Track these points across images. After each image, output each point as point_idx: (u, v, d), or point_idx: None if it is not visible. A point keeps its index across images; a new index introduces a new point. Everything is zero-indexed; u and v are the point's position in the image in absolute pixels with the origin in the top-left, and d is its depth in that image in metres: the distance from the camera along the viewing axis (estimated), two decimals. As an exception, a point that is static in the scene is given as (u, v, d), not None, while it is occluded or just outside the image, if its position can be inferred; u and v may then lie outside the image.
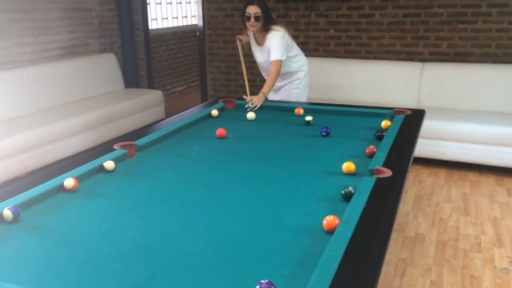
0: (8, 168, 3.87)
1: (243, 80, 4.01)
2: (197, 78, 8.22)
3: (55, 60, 5.21)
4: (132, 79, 6.28)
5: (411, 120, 2.90)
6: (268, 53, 3.58)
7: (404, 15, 4.97)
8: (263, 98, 3.43)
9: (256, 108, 3.33)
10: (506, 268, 2.79)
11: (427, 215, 3.47)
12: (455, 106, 4.69)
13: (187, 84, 8.27)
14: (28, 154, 4.04)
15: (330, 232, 1.58)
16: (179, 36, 7.89)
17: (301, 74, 3.84)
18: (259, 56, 3.75)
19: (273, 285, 1.26)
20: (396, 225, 3.14)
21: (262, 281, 1.26)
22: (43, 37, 5.09)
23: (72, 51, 5.46)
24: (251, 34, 3.74)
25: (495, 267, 2.81)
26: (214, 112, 3.20)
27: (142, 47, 6.36)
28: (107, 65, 5.76)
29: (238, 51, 4.01)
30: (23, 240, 1.59)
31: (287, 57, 3.64)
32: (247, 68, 4.00)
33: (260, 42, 3.68)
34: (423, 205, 3.64)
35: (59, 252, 1.52)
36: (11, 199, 1.79)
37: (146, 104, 5.54)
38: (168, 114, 5.85)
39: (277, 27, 3.57)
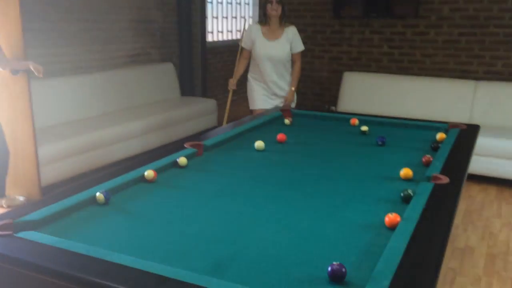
0: (76, 165, 4.17)
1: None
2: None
3: (120, 67, 5.55)
4: (188, 87, 6.56)
5: (466, 134, 2.98)
6: (288, 44, 4.00)
7: (460, 34, 5.03)
8: (294, 93, 4.08)
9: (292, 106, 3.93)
10: (557, 284, 2.81)
11: (476, 228, 3.51)
12: (508, 124, 4.69)
13: (237, 94, 8.51)
14: (93, 152, 4.34)
15: (392, 228, 1.71)
16: (232, 48, 8.15)
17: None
18: (273, 49, 4.04)
19: (343, 266, 1.40)
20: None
21: (334, 262, 1.41)
22: (110, 45, 5.44)
23: (135, 59, 5.80)
24: (259, 30, 4.06)
25: (546, 282, 2.83)
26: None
27: (199, 58, 6.64)
28: (166, 74, 6.07)
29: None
30: (115, 220, 1.80)
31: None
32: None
33: (275, 35, 4.02)
34: (472, 219, 3.68)
35: (147, 231, 1.71)
36: (102, 184, 2.01)
37: (200, 112, 5.81)
38: (220, 122, 6.08)
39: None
